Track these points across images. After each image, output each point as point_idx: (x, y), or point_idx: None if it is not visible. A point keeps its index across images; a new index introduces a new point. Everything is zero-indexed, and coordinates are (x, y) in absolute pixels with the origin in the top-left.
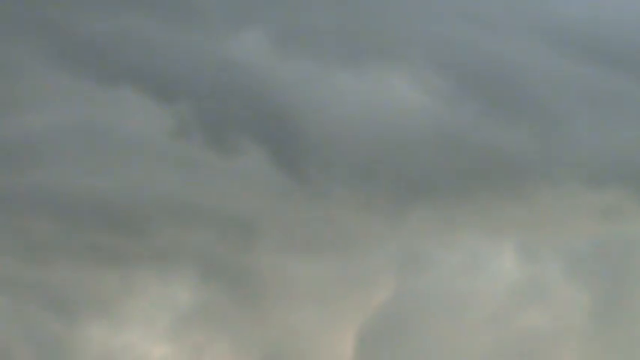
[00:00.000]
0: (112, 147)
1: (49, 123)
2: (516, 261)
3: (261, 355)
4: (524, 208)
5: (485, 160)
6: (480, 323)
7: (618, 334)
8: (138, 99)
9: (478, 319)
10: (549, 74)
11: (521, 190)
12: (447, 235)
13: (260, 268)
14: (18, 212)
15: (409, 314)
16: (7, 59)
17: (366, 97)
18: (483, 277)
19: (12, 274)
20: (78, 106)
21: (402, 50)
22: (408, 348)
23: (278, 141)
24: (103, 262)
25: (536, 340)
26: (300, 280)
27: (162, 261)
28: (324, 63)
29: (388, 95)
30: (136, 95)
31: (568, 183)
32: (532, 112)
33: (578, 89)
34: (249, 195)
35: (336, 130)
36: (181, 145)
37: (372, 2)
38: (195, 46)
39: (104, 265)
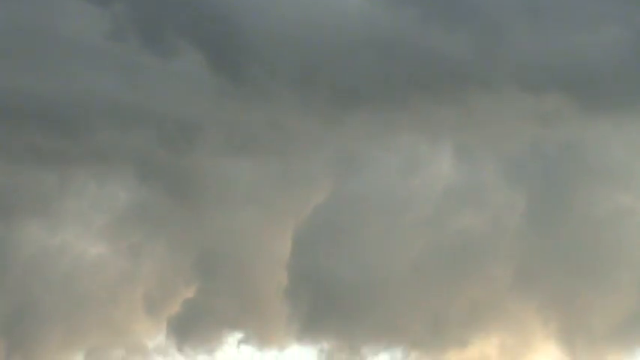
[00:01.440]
0: (47, 48)
1: None
2: (454, 164)
3: (198, 255)
4: (462, 112)
5: (425, 65)
6: (417, 225)
7: (553, 236)
8: (73, 0)
9: (414, 221)
10: None
11: (459, 94)
12: (384, 138)
13: (198, 169)
14: None
15: (346, 216)
16: None
17: None
18: (420, 180)
19: None
20: (11, 8)
21: None
22: (344, 249)
23: (216, 42)
24: (40, 162)
25: (472, 242)
26: (238, 181)
27: (99, 162)
28: None
29: None
30: None
31: (506, 88)
32: (471, 18)
33: None
34: (188, 97)
35: (275, 32)
36: (118, 47)
37: None
38: None
39: (41, 166)
